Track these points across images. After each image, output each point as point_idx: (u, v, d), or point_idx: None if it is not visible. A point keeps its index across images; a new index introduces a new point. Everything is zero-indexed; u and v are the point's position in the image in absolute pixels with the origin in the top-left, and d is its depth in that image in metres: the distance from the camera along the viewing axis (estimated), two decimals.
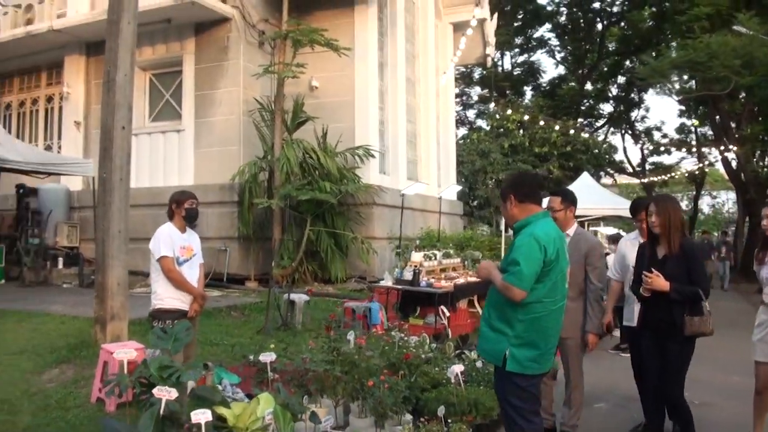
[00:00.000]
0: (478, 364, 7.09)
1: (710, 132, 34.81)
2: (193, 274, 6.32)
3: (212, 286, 13.41)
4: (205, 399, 4.27)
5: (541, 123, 29.57)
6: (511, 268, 4.18)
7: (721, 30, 19.68)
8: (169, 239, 6.13)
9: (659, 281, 5.10)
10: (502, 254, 15.30)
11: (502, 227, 17.15)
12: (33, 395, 6.62)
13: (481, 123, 41.03)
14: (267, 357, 5.41)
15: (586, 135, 33.05)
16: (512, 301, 4.17)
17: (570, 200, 6.03)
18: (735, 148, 26.51)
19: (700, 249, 5.36)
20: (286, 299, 10.63)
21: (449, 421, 5.29)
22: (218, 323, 10.41)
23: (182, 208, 6.27)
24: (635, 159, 43.21)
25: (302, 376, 5.65)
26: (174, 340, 4.57)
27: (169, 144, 16.25)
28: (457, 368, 5.95)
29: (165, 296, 6.16)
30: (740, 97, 25.72)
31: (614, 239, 12.73)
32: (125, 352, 4.73)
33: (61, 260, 15.48)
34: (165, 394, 3.93)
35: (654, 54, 30.76)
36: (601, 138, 41.06)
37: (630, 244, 6.51)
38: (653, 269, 5.20)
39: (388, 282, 11.00)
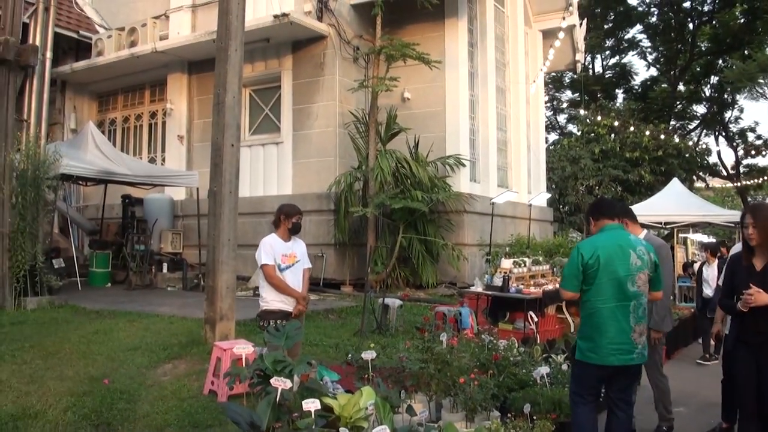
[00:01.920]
0: (564, 367, 7.41)
1: None
2: (295, 278, 6.94)
3: (310, 291, 13.91)
4: (313, 391, 4.79)
5: (632, 128, 29.24)
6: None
7: None
8: (270, 249, 6.79)
9: (763, 296, 4.72)
10: None
11: None
12: (149, 387, 7.23)
13: (572, 128, 40.62)
14: (368, 355, 5.88)
15: (678, 139, 32.41)
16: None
17: (622, 214, 6.16)
18: None
19: None
20: (380, 303, 11.10)
21: (534, 418, 5.64)
22: (316, 325, 10.91)
23: (290, 221, 6.95)
24: (729, 161, 41.99)
25: (399, 374, 6.12)
26: (285, 337, 5.11)
27: (269, 156, 16.96)
28: (543, 370, 6.35)
29: (270, 299, 6.81)
30: None
31: (712, 249, 12.29)
32: (243, 347, 5.31)
33: (165, 265, 16.31)
34: (281, 383, 4.46)
35: (747, 53, 30.10)
36: (694, 140, 40.20)
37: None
38: (753, 284, 4.81)
39: (478, 288, 11.39)
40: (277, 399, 4.46)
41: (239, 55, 8.75)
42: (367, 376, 5.74)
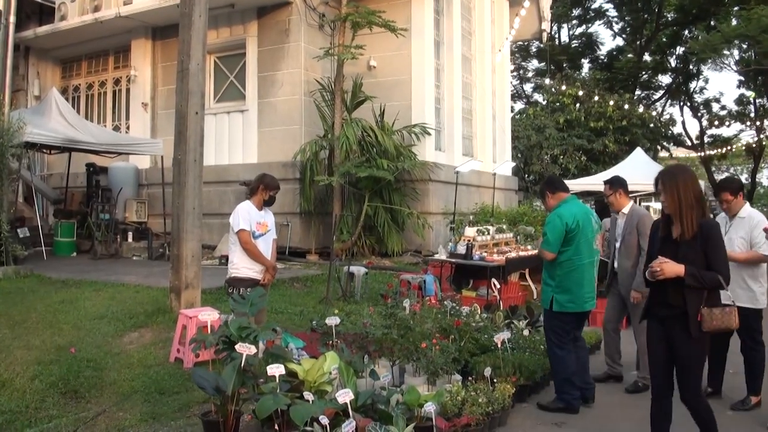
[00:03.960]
0: (525, 332, 7.59)
1: None
2: (266, 247, 6.98)
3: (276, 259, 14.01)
4: (278, 356, 4.88)
5: (596, 98, 29.45)
6: (543, 238, 6.25)
7: None
8: (247, 215, 6.79)
9: (670, 266, 4.39)
10: None
11: None
12: (116, 355, 7.28)
13: (538, 97, 40.78)
14: (332, 320, 5.97)
15: (642, 109, 32.67)
16: (551, 262, 6.13)
17: (617, 185, 7.22)
18: None
19: (718, 229, 4.57)
20: (345, 271, 11.19)
21: (495, 381, 5.80)
22: (282, 293, 10.95)
23: (268, 192, 6.96)
24: (693, 131, 42.49)
25: (363, 339, 6.23)
26: (250, 304, 5.18)
27: (234, 124, 16.86)
28: (504, 335, 6.51)
29: (241, 266, 6.81)
30: None
31: None
32: (208, 314, 5.37)
33: (130, 234, 16.19)
34: (246, 349, 4.54)
35: (713, 23, 30.28)
36: (659, 111, 40.53)
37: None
38: (664, 253, 4.52)
39: (442, 256, 11.54)
40: (242, 364, 4.54)
41: (203, 20, 8.70)
42: (331, 342, 5.84)
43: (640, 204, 21.76)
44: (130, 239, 16.10)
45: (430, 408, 4.61)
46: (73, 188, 17.93)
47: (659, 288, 4.56)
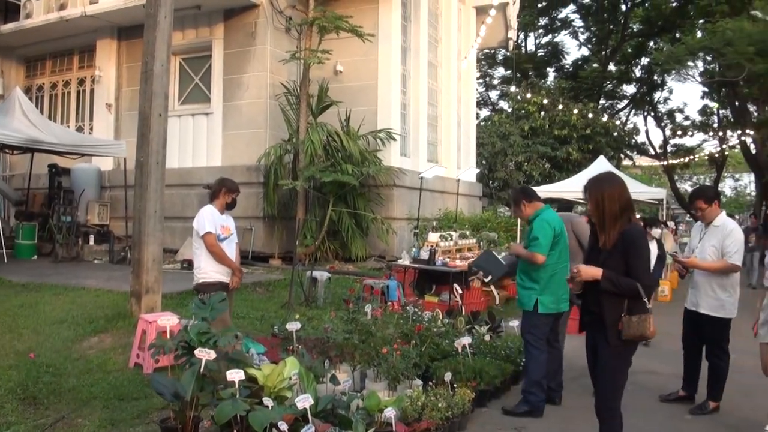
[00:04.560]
0: (486, 337, 7.63)
1: (731, 115, 34.75)
2: (231, 250, 6.93)
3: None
4: (238, 362, 4.86)
5: (560, 106, 29.72)
6: (534, 242, 6.26)
7: (740, 14, 19.77)
8: (212, 218, 6.75)
9: (587, 269, 4.41)
10: (518, 235, 15.81)
11: None
12: (75, 360, 7.19)
13: (503, 105, 41.12)
14: (293, 326, 5.95)
15: (606, 118, 33.05)
16: (536, 266, 6.21)
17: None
18: (752, 132, 26.60)
19: (641, 237, 4.46)
20: (308, 276, 11.15)
21: (455, 386, 5.83)
22: (244, 298, 10.87)
23: (230, 195, 6.97)
24: (657, 141, 43.07)
25: (324, 344, 6.23)
26: (211, 309, 5.15)
27: (198, 126, 16.75)
28: (465, 340, 6.56)
29: (209, 270, 6.75)
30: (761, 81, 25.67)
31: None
32: (167, 319, 5.33)
33: (92, 237, 15.99)
34: (205, 354, 4.52)
35: (678, 35, 30.71)
36: (623, 120, 41.00)
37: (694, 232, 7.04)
38: (590, 261, 4.53)
39: (405, 261, 11.58)
40: (201, 370, 4.52)
41: (168, 22, 8.64)
42: (291, 347, 5.82)
43: None
44: (91, 242, 15.90)
45: (390, 413, 4.62)
46: (36, 190, 17.61)
47: (583, 295, 4.60)
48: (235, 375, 4.50)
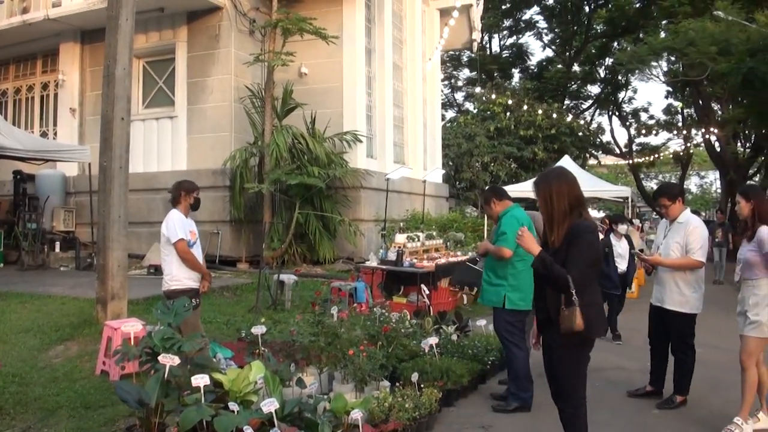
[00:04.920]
0: (454, 337, 7.66)
1: (695, 113, 35.18)
2: (198, 254, 6.84)
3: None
4: (203, 366, 4.83)
5: (525, 107, 29.91)
6: (501, 237, 6.40)
7: (703, 15, 20.02)
8: (181, 224, 6.59)
9: (528, 240, 4.33)
10: (485, 234, 15.88)
11: None
12: (41, 369, 7.14)
13: (469, 106, 41.27)
14: (258, 330, 5.93)
15: (570, 118, 33.32)
16: (504, 261, 6.32)
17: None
18: (716, 131, 26.97)
19: (588, 232, 4.21)
20: (275, 280, 11.14)
21: (422, 386, 5.84)
22: (211, 303, 10.81)
23: (191, 196, 6.80)
24: (622, 140, 43.51)
25: (290, 347, 6.22)
26: (175, 314, 5.12)
27: (163, 130, 16.63)
28: (432, 340, 6.60)
29: (182, 277, 6.60)
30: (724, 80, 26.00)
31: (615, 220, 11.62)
32: (131, 325, 5.30)
33: (58, 244, 15.86)
34: (169, 360, 4.49)
35: (641, 36, 31.01)
36: (588, 119, 41.36)
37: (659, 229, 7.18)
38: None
39: (373, 263, 11.60)
40: (166, 376, 4.49)
41: (130, 24, 8.58)
42: (257, 351, 5.81)
43: None
44: (57, 249, 15.78)
45: (356, 415, 4.63)
46: (0, 196, 17.40)
47: (537, 297, 4.53)
48: (200, 380, 4.47)
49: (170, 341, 4.79)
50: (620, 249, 10.52)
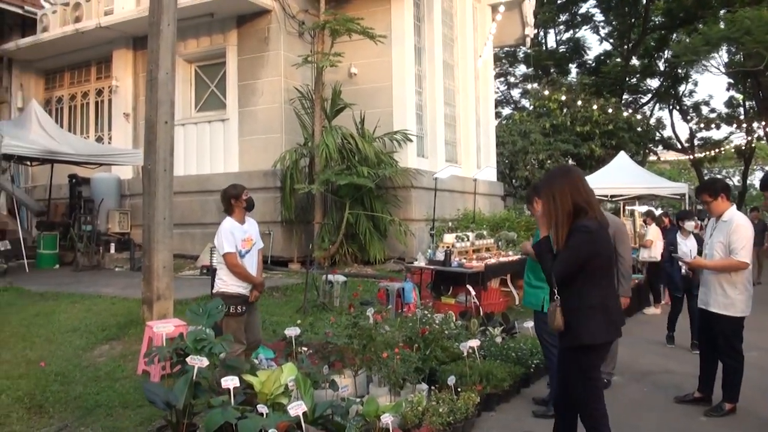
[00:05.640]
0: (498, 339, 7.53)
1: (756, 105, 34.30)
2: (252, 262, 6.71)
3: None
4: (234, 368, 4.82)
5: (579, 102, 29.49)
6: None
7: (762, 3, 19.45)
8: (231, 236, 6.50)
9: (542, 221, 4.33)
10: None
11: None
12: (85, 368, 7.25)
13: (525, 103, 40.90)
14: (292, 331, 5.91)
15: (627, 113, 32.72)
16: (536, 263, 5.79)
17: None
18: None
19: (585, 232, 4.03)
20: (324, 279, 11.13)
21: (459, 390, 5.73)
22: (260, 303, 10.75)
23: (241, 200, 6.71)
24: (684, 135, 42.64)
25: (324, 349, 6.17)
26: (208, 316, 5.11)
27: (215, 133, 16.77)
28: (473, 342, 6.44)
29: (229, 282, 6.51)
30: None
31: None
32: (164, 326, 5.30)
33: (113, 245, 16.08)
34: (197, 362, 4.48)
35: (700, 26, 30.37)
36: (647, 114, 40.64)
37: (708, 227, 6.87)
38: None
39: (421, 263, 11.49)
40: (194, 377, 4.48)
41: (172, 30, 8.65)
42: (293, 352, 5.78)
43: (624, 207, 21.84)
44: (112, 250, 15.97)
45: (387, 419, 4.57)
46: (57, 200, 17.77)
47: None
48: (230, 382, 4.46)
49: (202, 342, 4.79)
50: (686, 248, 9.31)
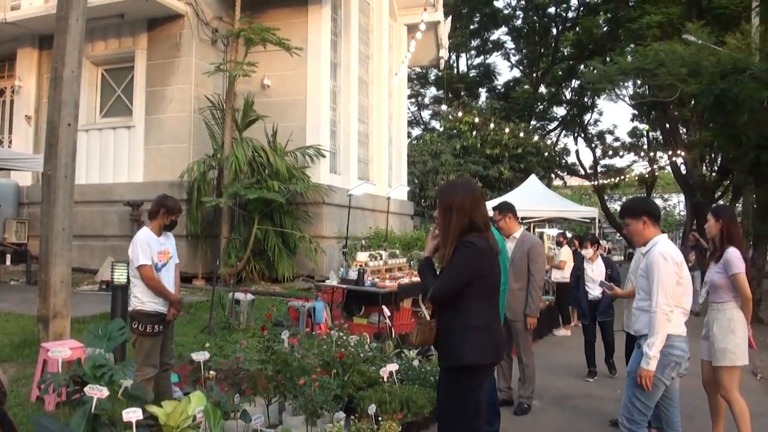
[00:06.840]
0: (415, 362, 7.25)
1: (662, 136, 35.43)
2: (169, 277, 6.23)
3: None
4: (137, 398, 4.38)
5: (491, 125, 29.87)
6: None
7: (672, 38, 20.01)
8: (147, 247, 6.00)
9: (430, 242, 3.98)
10: None
11: None
12: None
13: (435, 124, 41.35)
14: (200, 356, 5.49)
15: (536, 138, 33.44)
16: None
17: (506, 210, 7.14)
18: (683, 153, 27.08)
19: (469, 250, 3.71)
20: (230, 298, 10.68)
21: (380, 418, 5.42)
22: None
23: (170, 217, 6.20)
24: (588, 161, 43.83)
25: (235, 375, 5.74)
26: (108, 339, 4.66)
27: (120, 140, 16.09)
28: (391, 367, 6.08)
29: (145, 300, 5.96)
30: (690, 103, 25.99)
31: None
32: (60, 350, 4.80)
33: (8, 257, 15.31)
34: (96, 392, 4.02)
35: (608, 59, 31.12)
36: (553, 140, 41.59)
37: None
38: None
39: (333, 281, 11.19)
40: (92, 410, 4.03)
41: (80, 25, 8.14)
42: (200, 378, 5.36)
43: (534, 230, 22.05)
44: (8, 262, 15.22)
45: None
46: None
47: None
48: (132, 414, 4.02)
49: (101, 369, 4.33)
50: (592, 273, 9.17)
